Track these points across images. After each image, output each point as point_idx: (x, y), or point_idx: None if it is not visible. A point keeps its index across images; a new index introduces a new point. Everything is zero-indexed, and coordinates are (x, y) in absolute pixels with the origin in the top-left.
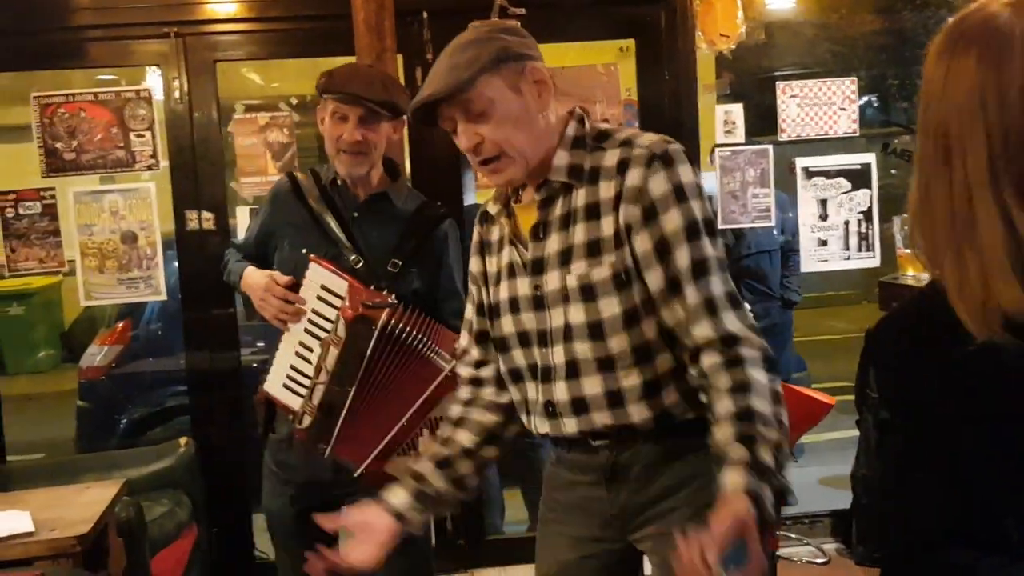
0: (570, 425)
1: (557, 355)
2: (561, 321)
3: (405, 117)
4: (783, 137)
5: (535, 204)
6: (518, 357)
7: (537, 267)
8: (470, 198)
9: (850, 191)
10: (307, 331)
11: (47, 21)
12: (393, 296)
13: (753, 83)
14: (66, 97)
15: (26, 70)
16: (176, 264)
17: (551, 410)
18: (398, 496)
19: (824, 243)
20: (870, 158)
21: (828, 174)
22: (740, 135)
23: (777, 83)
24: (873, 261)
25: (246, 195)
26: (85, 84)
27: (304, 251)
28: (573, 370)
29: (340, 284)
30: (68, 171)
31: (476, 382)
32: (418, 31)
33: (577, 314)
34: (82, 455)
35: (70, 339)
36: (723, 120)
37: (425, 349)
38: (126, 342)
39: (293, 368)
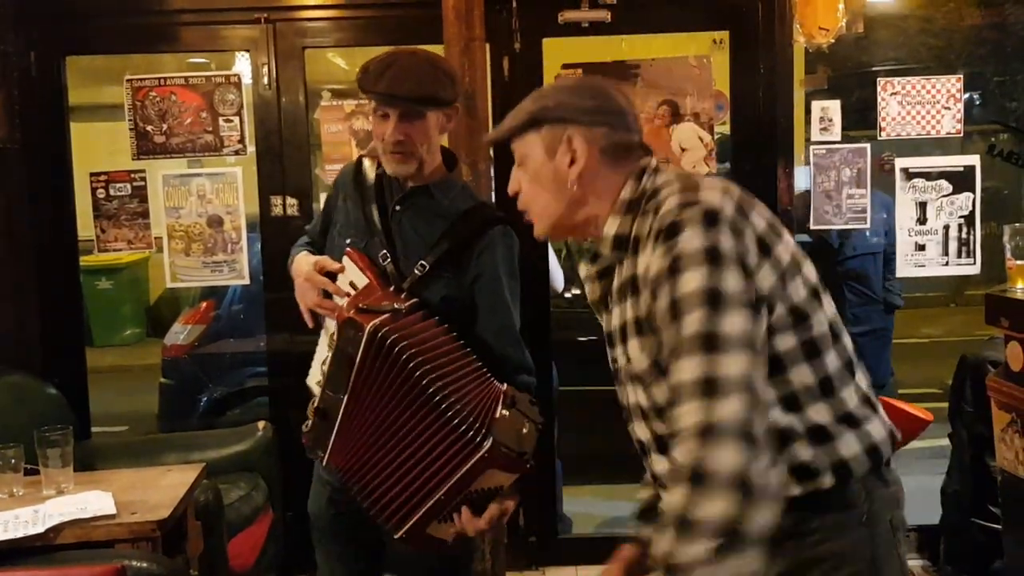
0: None
1: (642, 432)
2: (634, 400)
3: (458, 105)
4: (882, 136)
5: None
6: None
7: (610, 341)
8: None
9: (951, 194)
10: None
11: (141, 4)
12: (410, 301)
13: (850, 79)
14: (158, 81)
15: (119, 53)
16: (259, 247)
17: (655, 480)
18: None
19: (922, 248)
20: (974, 160)
21: (929, 176)
22: (836, 133)
23: (878, 79)
24: (973, 268)
25: (330, 182)
26: (175, 68)
27: (348, 240)
28: (662, 445)
29: (363, 281)
30: (158, 154)
31: None
32: (507, 20)
33: (639, 396)
34: (163, 435)
35: (154, 315)
36: (819, 117)
37: (425, 377)
38: (208, 322)
39: (321, 364)
